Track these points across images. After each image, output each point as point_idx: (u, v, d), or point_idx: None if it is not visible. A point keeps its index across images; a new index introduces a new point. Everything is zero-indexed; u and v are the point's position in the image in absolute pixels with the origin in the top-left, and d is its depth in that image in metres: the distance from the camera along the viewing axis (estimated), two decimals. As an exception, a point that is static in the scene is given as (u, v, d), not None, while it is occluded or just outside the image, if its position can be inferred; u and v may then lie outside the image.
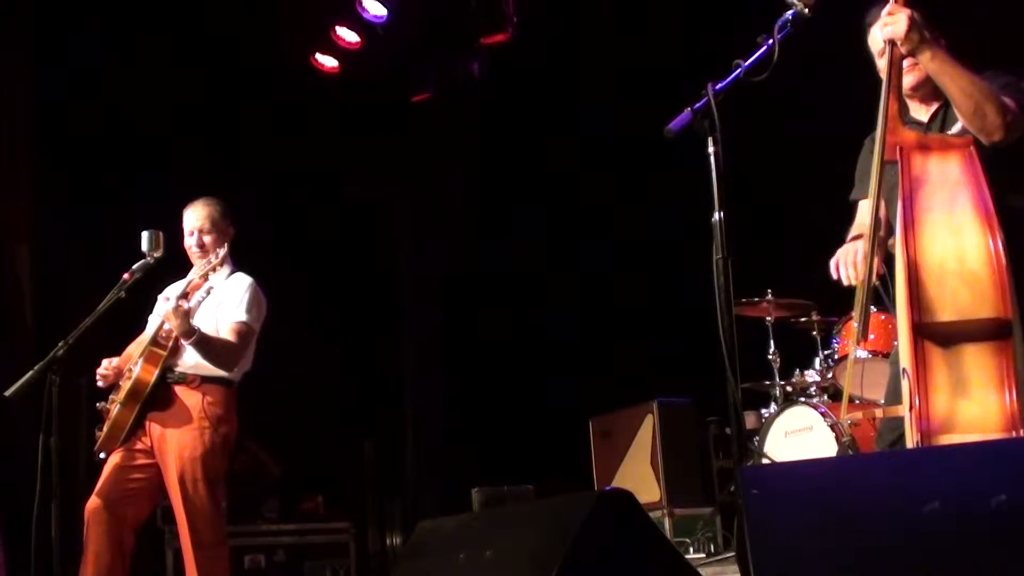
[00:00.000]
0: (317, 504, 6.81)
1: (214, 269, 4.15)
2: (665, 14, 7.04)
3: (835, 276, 3.16)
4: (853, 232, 3.32)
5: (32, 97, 6.37)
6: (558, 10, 7.24)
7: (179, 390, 4.10)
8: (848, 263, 3.11)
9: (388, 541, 7.78)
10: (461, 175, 8.02)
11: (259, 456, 6.56)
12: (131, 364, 4.16)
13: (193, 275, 4.21)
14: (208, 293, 4.13)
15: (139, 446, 4.09)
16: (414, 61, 7.51)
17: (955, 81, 2.93)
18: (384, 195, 8.16)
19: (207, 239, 4.27)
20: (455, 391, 7.86)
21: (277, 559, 6.18)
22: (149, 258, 4.13)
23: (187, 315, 3.98)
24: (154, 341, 4.10)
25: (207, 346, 4.04)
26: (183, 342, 4.04)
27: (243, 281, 4.25)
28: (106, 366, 4.18)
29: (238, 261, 4.36)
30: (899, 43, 2.93)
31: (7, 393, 3.86)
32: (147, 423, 4.09)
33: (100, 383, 4.18)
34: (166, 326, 4.07)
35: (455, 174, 8.04)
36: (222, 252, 4.16)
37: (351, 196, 7.88)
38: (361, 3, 6.99)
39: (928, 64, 2.96)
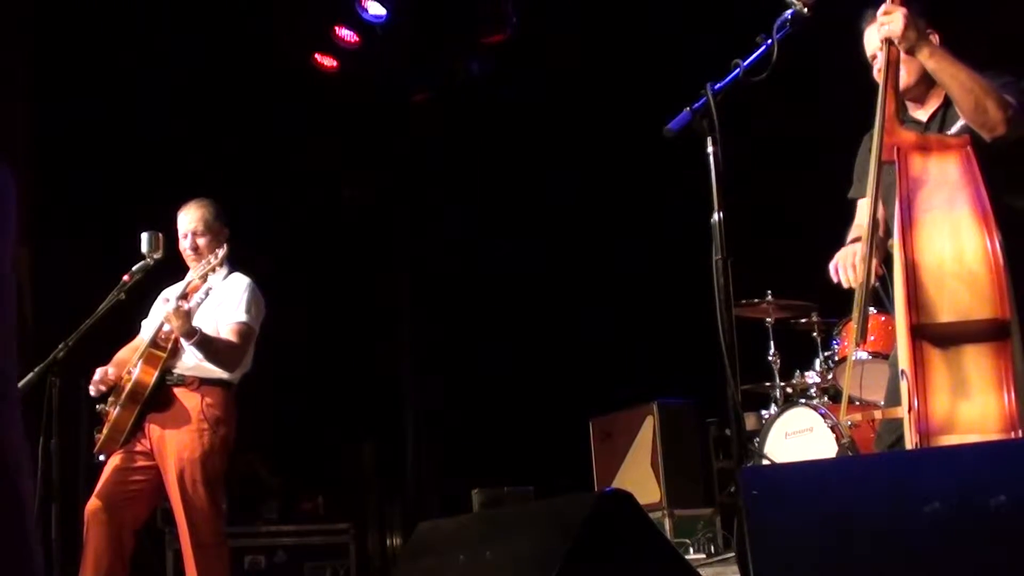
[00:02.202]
0: (317, 504, 6.82)
1: (214, 270, 4.15)
2: (665, 13, 7.04)
3: (835, 279, 3.17)
4: (852, 233, 3.32)
5: (32, 97, 6.37)
6: (558, 10, 7.24)
7: (178, 392, 4.09)
8: (847, 265, 3.11)
9: (388, 542, 7.78)
10: (460, 175, 8.02)
11: (256, 467, 6.57)
12: (130, 366, 4.15)
13: (192, 276, 4.20)
14: (207, 294, 4.13)
15: (139, 448, 4.08)
16: (414, 61, 7.51)
17: (955, 77, 2.93)
18: (384, 195, 8.17)
19: (201, 241, 4.26)
20: (455, 391, 7.86)
21: (277, 559, 6.18)
22: (148, 259, 4.13)
23: (188, 315, 3.97)
24: (153, 343, 4.10)
25: (209, 346, 4.04)
26: (185, 343, 4.03)
27: (241, 281, 4.24)
28: (102, 377, 4.16)
29: (237, 261, 4.35)
30: (896, 42, 2.93)
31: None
32: (146, 425, 4.08)
33: (93, 392, 4.17)
34: (166, 327, 4.07)
35: (454, 174, 8.04)
36: (221, 252, 4.15)
37: (351, 196, 7.88)
38: (361, 3, 6.99)
39: (927, 61, 2.97)
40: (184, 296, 4.12)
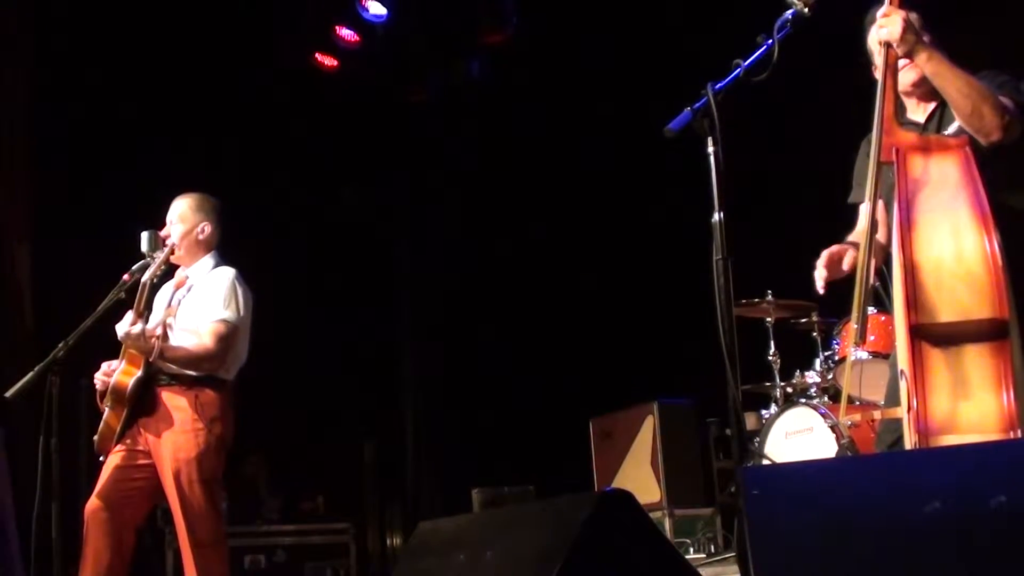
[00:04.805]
0: (317, 504, 6.83)
1: (159, 268, 4.07)
2: (665, 14, 7.04)
3: (820, 285, 3.18)
4: (851, 238, 3.32)
5: (32, 97, 6.37)
6: (558, 10, 7.24)
7: (170, 393, 4.04)
8: (821, 264, 3.14)
9: (388, 541, 7.79)
10: (461, 175, 8.03)
11: (256, 467, 6.57)
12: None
13: (145, 277, 4.06)
14: (189, 290, 4.11)
15: (139, 446, 4.07)
16: (414, 61, 7.51)
17: (952, 82, 2.94)
18: (384, 195, 8.17)
19: (175, 229, 4.25)
20: (455, 391, 7.86)
21: (277, 559, 6.19)
22: (149, 258, 4.10)
23: (141, 336, 3.92)
24: None
25: (174, 356, 4.00)
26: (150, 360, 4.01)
27: (224, 275, 4.18)
28: (105, 371, 4.15)
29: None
30: (895, 45, 2.94)
31: (7, 394, 3.85)
32: (140, 429, 4.05)
33: (99, 387, 4.17)
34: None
35: (455, 174, 8.05)
36: (170, 241, 4.15)
37: (350, 196, 7.89)
38: (361, 3, 7.00)
39: (924, 65, 2.98)
40: (140, 313, 4.01)
